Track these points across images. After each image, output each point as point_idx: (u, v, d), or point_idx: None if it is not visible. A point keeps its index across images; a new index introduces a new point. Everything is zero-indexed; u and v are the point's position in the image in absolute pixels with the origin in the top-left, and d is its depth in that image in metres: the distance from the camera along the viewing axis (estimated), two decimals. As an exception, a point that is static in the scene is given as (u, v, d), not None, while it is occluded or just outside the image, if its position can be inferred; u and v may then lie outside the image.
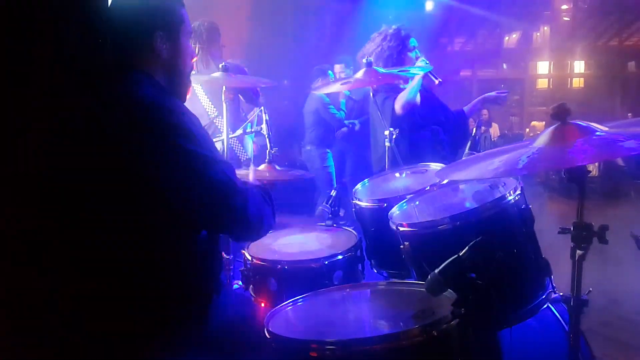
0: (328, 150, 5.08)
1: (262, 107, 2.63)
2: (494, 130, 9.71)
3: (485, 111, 9.28)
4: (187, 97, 1.55)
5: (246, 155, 3.76)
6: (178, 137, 1.28)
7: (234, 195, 1.36)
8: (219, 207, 1.35)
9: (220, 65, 2.59)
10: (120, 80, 1.34)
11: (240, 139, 3.62)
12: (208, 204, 1.33)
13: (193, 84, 3.60)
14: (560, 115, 1.28)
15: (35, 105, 1.23)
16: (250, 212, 1.39)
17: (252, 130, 2.87)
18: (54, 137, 1.22)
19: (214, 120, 3.60)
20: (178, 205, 1.30)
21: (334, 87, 3.13)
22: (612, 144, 1.22)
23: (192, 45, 3.73)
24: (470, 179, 1.77)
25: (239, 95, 3.71)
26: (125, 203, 1.27)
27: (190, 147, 1.29)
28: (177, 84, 1.47)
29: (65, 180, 1.22)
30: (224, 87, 2.58)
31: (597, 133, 1.25)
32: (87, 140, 1.24)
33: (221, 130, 3.45)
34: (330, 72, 5.11)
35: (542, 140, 1.30)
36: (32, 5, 1.21)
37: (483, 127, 8.63)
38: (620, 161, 7.21)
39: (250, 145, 3.85)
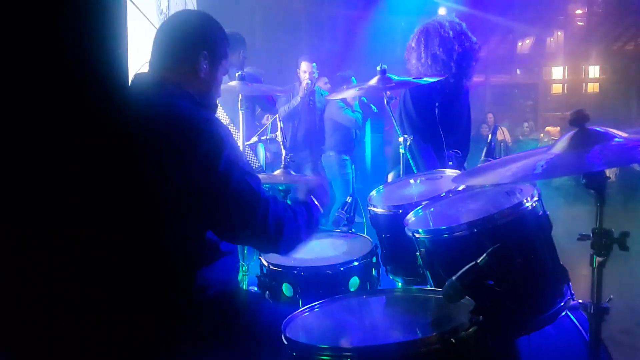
0: (346, 157, 5.08)
1: (277, 115, 2.65)
2: (500, 135, 9.56)
3: (490, 115, 9.21)
4: None
5: (258, 163, 3.78)
6: (215, 146, 1.34)
7: (258, 205, 1.39)
8: (243, 213, 1.38)
9: (237, 74, 2.62)
10: (157, 92, 1.41)
11: (253, 147, 3.64)
12: (235, 209, 1.37)
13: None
14: (578, 121, 1.27)
15: (74, 114, 1.25)
16: (270, 222, 1.40)
17: (267, 137, 2.89)
18: (91, 144, 1.25)
19: (226, 128, 3.62)
20: (206, 209, 1.35)
21: (348, 93, 3.14)
22: (631, 149, 1.21)
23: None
24: (488, 184, 1.76)
25: (255, 103, 3.74)
26: (157, 208, 1.31)
27: (226, 155, 1.34)
28: (208, 97, 1.54)
29: (98, 186, 1.24)
30: (240, 96, 2.61)
31: (616, 139, 1.24)
32: (123, 149, 1.26)
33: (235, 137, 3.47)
34: (353, 78, 5.11)
35: (560, 146, 1.29)
36: (68, 18, 1.23)
37: (502, 128, 8.49)
38: (636, 166, 7.11)
39: (262, 153, 3.87)
